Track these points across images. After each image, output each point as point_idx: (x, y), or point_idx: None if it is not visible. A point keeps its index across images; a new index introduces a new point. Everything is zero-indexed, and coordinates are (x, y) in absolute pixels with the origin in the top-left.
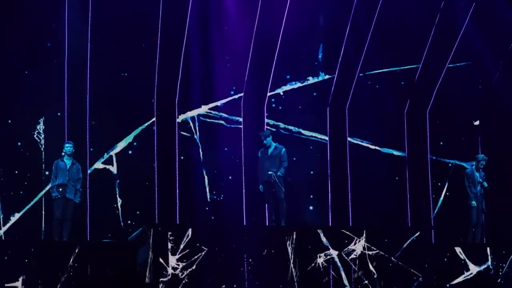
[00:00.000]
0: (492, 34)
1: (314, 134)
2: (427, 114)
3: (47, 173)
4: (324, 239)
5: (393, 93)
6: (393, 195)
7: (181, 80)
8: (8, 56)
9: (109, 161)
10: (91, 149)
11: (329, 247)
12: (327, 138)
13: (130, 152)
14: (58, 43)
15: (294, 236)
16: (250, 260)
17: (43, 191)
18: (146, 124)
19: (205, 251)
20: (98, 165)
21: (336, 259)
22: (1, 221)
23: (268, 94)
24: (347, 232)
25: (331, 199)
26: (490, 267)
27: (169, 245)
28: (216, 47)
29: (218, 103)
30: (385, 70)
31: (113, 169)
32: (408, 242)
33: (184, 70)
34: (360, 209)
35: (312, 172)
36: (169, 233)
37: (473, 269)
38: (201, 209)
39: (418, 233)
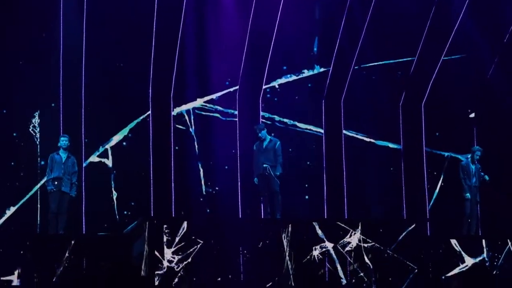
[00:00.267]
0: (487, 27)
1: (309, 127)
2: (422, 107)
3: (42, 162)
4: (319, 232)
5: (388, 85)
6: (388, 188)
7: (176, 73)
8: (3, 48)
9: (104, 154)
10: (86, 140)
11: (325, 239)
12: (322, 131)
13: (125, 145)
14: (54, 36)
15: (290, 229)
16: (245, 252)
17: (39, 185)
18: (141, 117)
19: (200, 244)
20: (94, 158)
21: (332, 252)
22: None
23: (264, 87)
24: (343, 225)
25: (326, 191)
26: (486, 259)
27: (165, 238)
28: (211, 40)
29: (213, 96)
30: (380, 63)
31: (109, 162)
32: (403, 234)
33: (179, 64)
34: (355, 201)
35: (307, 165)
36: (165, 226)
37: (469, 261)
38: (197, 202)
39: (414, 225)
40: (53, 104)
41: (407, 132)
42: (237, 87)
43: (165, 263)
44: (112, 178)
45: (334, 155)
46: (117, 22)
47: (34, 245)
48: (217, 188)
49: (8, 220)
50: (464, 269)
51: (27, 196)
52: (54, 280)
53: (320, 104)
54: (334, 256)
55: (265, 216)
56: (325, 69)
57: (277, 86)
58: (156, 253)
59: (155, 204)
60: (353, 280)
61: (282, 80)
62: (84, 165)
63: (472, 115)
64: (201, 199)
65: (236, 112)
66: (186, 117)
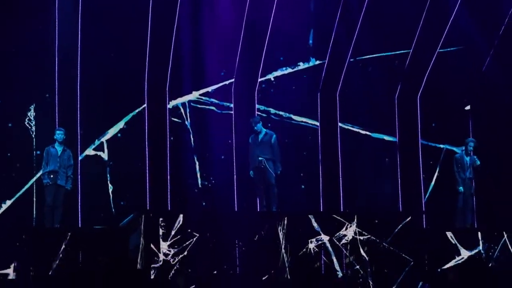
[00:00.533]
0: (483, 19)
1: (305, 120)
2: (418, 99)
3: (38, 152)
4: (315, 224)
5: (384, 78)
6: (384, 180)
7: (171, 66)
8: None
9: (100, 148)
10: (81, 132)
11: (321, 232)
12: (318, 124)
13: (121, 138)
14: (49, 29)
15: (285, 222)
16: (241, 245)
17: (34, 178)
18: (137, 111)
19: (196, 237)
20: (89, 151)
21: (328, 244)
22: None
23: (259, 79)
24: (338, 217)
25: (322, 184)
26: (481, 251)
27: (161, 231)
28: (207, 33)
29: (209, 89)
30: (376, 55)
31: (104, 155)
32: (399, 227)
33: (174, 57)
34: (351, 194)
35: (303, 157)
36: (161, 219)
37: (464, 253)
38: (192, 195)
39: (410, 218)
40: (47, 95)
41: (402, 124)
42: (233, 80)
43: (161, 256)
44: (108, 171)
45: (329, 148)
46: (112, 15)
47: (30, 239)
48: (213, 181)
49: (3, 213)
50: (460, 261)
51: (23, 190)
52: (50, 273)
53: (315, 96)
54: (330, 249)
55: (261, 209)
56: (321, 62)
57: (272, 79)
58: (152, 246)
59: (151, 197)
60: (349, 273)
61: (278, 73)
62: (79, 158)
63: (468, 107)
64: (197, 192)
65: (232, 105)
66: (182, 110)
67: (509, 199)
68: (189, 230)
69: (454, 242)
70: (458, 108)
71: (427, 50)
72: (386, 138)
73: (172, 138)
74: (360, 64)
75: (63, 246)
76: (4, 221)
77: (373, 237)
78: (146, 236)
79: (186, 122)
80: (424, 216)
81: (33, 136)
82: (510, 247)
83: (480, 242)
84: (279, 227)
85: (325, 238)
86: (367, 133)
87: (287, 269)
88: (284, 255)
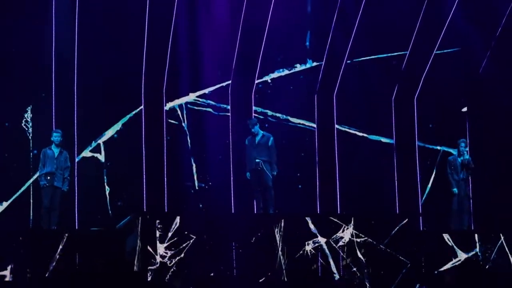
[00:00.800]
0: (479, 20)
1: (302, 122)
2: (415, 101)
3: (35, 151)
4: (312, 227)
5: (381, 80)
6: (381, 182)
7: (168, 68)
8: None
9: (97, 149)
10: (78, 133)
11: (317, 234)
12: (315, 126)
13: (118, 140)
14: (46, 30)
15: (282, 224)
16: (238, 247)
17: (31, 180)
18: (134, 112)
19: (193, 239)
20: (86, 153)
21: (324, 247)
22: None
23: (256, 81)
24: (335, 220)
25: (319, 186)
26: (478, 253)
27: (157, 233)
28: (204, 35)
29: (206, 90)
30: (372, 57)
31: (101, 157)
32: (396, 229)
33: (171, 58)
34: (348, 196)
35: (300, 159)
36: (157, 221)
37: (461, 255)
38: (189, 197)
39: (406, 220)
40: (43, 94)
41: (399, 126)
42: (230, 81)
43: (158, 258)
44: (105, 173)
45: (326, 150)
46: (110, 17)
47: (27, 241)
48: (210, 183)
49: (0, 215)
50: (457, 264)
51: (20, 191)
52: (47, 275)
53: (312, 98)
54: (327, 251)
55: (257, 211)
56: (318, 63)
57: (269, 81)
58: (149, 248)
59: (148, 199)
60: (346, 275)
61: (275, 75)
62: (76, 160)
63: (465, 109)
64: (194, 194)
65: (229, 107)
66: (179, 112)
67: (507, 201)
68: (186, 232)
69: (451, 244)
70: (455, 109)
71: (424, 51)
72: (383, 140)
73: (169, 139)
74: (357, 66)
75: (60, 248)
76: (1, 222)
77: (370, 239)
78: (143, 238)
79: (183, 124)
80: (421, 218)
81: (30, 137)
82: (507, 249)
83: (477, 244)
84: (276, 229)
85: (322, 240)
86: (364, 135)
87: (284, 271)
88: (281, 257)
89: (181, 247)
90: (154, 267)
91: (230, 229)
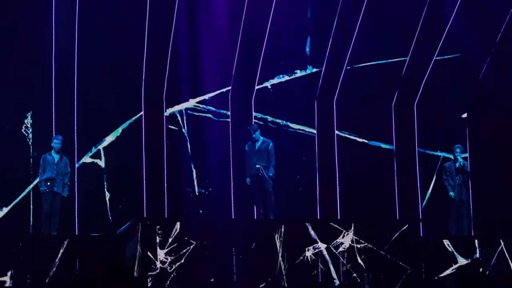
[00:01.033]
0: (479, 26)
1: (302, 128)
2: (415, 107)
3: (35, 154)
4: (312, 232)
5: (381, 85)
6: (381, 188)
7: (168, 74)
8: None
9: (97, 155)
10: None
11: (318, 240)
12: (315, 131)
13: (118, 146)
14: (46, 36)
15: (282, 229)
16: (238, 253)
17: (31, 185)
18: (134, 118)
19: (193, 245)
20: (86, 159)
21: (325, 252)
22: None
23: (256, 87)
24: (336, 225)
25: (319, 192)
26: (478, 259)
27: (158, 239)
28: (204, 41)
29: (206, 96)
30: (372, 63)
31: (101, 163)
32: (396, 234)
33: (171, 64)
34: (348, 202)
35: (300, 165)
36: (158, 227)
37: (462, 261)
38: (189, 203)
39: (407, 226)
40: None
41: (399, 132)
42: (230, 87)
43: (158, 264)
44: (105, 178)
45: (326, 156)
46: (109, 22)
47: (27, 246)
48: (210, 189)
49: (0, 221)
50: (456, 269)
51: (20, 197)
52: (47, 281)
53: (312, 104)
54: (327, 257)
55: (258, 217)
56: (318, 69)
57: (269, 87)
58: (149, 254)
59: (148, 205)
60: (346, 281)
61: (275, 81)
62: (76, 166)
63: (465, 115)
64: (194, 200)
65: (229, 113)
66: (179, 118)
67: (507, 206)
68: (186, 238)
69: (451, 250)
70: (455, 115)
71: (424, 57)
72: (383, 145)
73: (169, 145)
74: (357, 72)
75: (60, 254)
76: (0, 228)
77: (370, 245)
78: (143, 244)
79: (183, 130)
80: (421, 224)
81: (30, 143)
82: (507, 255)
83: (477, 250)
84: (276, 235)
85: (322, 246)
86: (364, 140)
87: (284, 277)
88: (281, 263)
89: (181, 252)
90: (154, 272)
91: (230, 235)
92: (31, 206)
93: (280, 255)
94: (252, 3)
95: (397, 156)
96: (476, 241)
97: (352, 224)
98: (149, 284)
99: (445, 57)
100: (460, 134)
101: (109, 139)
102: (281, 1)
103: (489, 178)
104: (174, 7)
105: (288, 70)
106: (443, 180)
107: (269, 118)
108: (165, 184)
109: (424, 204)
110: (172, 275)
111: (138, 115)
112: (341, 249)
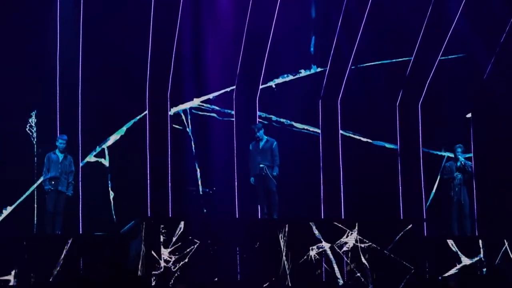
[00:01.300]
0: (484, 26)
1: (306, 127)
2: (419, 107)
3: (40, 150)
4: (316, 232)
5: (385, 85)
6: (385, 188)
7: (173, 73)
8: None
9: (101, 154)
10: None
11: (322, 239)
12: (319, 131)
13: (122, 145)
14: (50, 34)
15: (286, 229)
16: (242, 253)
17: (35, 184)
18: (138, 117)
19: (197, 244)
20: (91, 158)
21: (329, 252)
22: None
23: (260, 86)
24: (340, 225)
25: (323, 191)
26: (482, 259)
27: (162, 238)
28: (208, 40)
29: (210, 96)
30: (377, 62)
31: (105, 162)
32: (400, 234)
33: (176, 63)
34: (352, 201)
35: (304, 165)
36: (161, 226)
37: (465, 261)
38: (194, 202)
39: (411, 225)
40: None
41: (404, 132)
42: (234, 87)
43: (162, 263)
44: (109, 177)
45: (330, 155)
46: (114, 22)
47: (30, 245)
48: (214, 188)
49: (4, 220)
50: (460, 269)
51: (24, 196)
52: (51, 280)
53: (317, 104)
54: (331, 256)
55: (261, 216)
56: (322, 69)
57: (274, 86)
58: (153, 253)
59: (152, 204)
60: (350, 281)
61: (279, 80)
62: (81, 165)
63: (469, 115)
64: (198, 199)
65: (233, 112)
66: (183, 117)
67: (511, 206)
68: (190, 237)
69: (455, 250)
70: (459, 115)
71: (428, 57)
72: (387, 145)
73: (173, 145)
74: (362, 71)
75: (64, 253)
76: (5, 227)
77: (374, 245)
78: (147, 243)
79: (187, 129)
80: (425, 223)
81: (34, 142)
82: (511, 255)
83: (481, 250)
84: (280, 234)
85: (326, 245)
86: (368, 140)
87: (288, 276)
88: (285, 262)
89: (185, 252)
90: (158, 272)
91: (234, 234)
92: (35, 205)
93: (284, 254)
94: (257, 2)
95: (401, 155)
96: (480, 241)
97: (356, 224)
98: (153, 283)
99: (449, 57)
100: (464, 134)
101: (113, 138)
102: (286, 0)
103: (493, 177)
104: (179, 6)
105: (292, 69)
106: (444, 180)
107: (273, 118)
108: (169, 183)
109: (428, 204)
110: (176, 274)
111: (143, 114)
112: (345, 248)
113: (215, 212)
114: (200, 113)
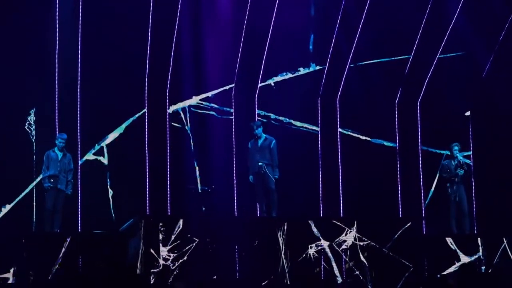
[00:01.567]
0: (482, 24)
1: (305, 125)
2: (418, 105)
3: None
4: (315, 230)
5: (384, 83)
6: (384, 186)
7: (171, 71)
8: None
9: (100, 152)
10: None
11: (320, 237)
12: (318, 129)
13: (121, 143)
14: (49, 33)
15: (285, 227)
16: (241, 251)
17: (34, 182)
18: (137, 115)
19: (196, 242)
20: (90, 156)
21: (327, 250)
22: None
23: (259, 84)
24: (338, 223)
25: (322, 189)
26: (481, 257)
27: (160, 236)
28: (207, 38)
29: (209, 94)
30: (376, 60)
31: (104, 160)
32: (399, 232)
33: (174, 61)
34: (351, 199)
35: (303, 163)
36: (160, 224)
37: (464, 259)
38: (192, 200)
39: (409, 223)
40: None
41: (403, 130)
42: (233, 85)
43: (161, 261)
44: (108, 176)
45: (329, 153)
46: (112, 20)
47: (29, 243)
48: (213, 186)
49: (3, 218)
50: (459, 267)
51: (23, 194)
52: (49, 278)
53: (315, 102)
54: (330, 255)
55: (260, 214)
56: (321, 67)
57: (272, 84)
58: (152, 251)
59: (151, 202)
60: (349, 279)
61: (278, 78)
62: (80, 163)
63: (468, 113)
64: (197, 197)
65: (232, 110)
66: (182, 115)
67: (510, 204)
68: (189, 235)
69: (453, 248)
70: (458, 113)
71: (427, 55)
72: (386, 143)
73: (172, 143)
74: (360, 70)
75: (63, 251)
76: (3, 225)
77: (373, 243)
78: (146, 241)
79: (186, 127)
80: (424, 221)
81: (33, 140)
82: (509, 253)
83: (480, 248)
84: (279, 232)
85: (325, 243)
86: (367, 138)
87: (287, 274)
88: (284, 260)
89: (184, 250)
90: (157, 270)
91: (233, 232)
92: (34, 203)
93: (282, 252)
94: (256, 0)
95: (400, 154)
96: (479, 239)
97: (355, 222)
98: (152, 281)
99: (448, 55)
100: (463, 132)
101: (112, 136)
102: None
103: (492, 175)
104: (178, 5)
105: (291, 67)
106: (441, 178)
107: (272, 116)
108: (168, 182)
109: (427, 202)
110: (175, 272)
111: (141, 112)
112: (343, 246)
113: (214, 210)
114: (199, 111)
